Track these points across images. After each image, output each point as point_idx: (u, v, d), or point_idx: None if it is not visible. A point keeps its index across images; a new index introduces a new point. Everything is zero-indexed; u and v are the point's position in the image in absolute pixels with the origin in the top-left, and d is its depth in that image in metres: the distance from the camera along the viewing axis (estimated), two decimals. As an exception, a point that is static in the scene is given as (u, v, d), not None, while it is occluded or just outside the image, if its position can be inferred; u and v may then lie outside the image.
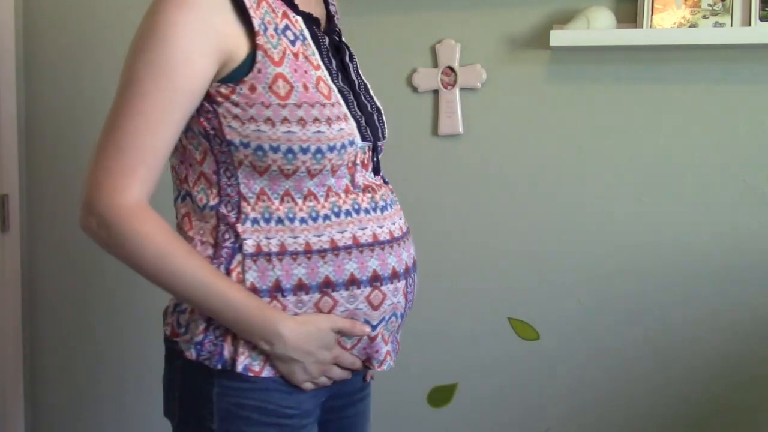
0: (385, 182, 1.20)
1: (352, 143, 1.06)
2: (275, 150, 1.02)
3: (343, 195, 1.08)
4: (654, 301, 1.80)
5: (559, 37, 1.68)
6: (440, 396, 1.97)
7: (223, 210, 1.06)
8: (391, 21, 1.89)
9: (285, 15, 1.06)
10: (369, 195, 1.11)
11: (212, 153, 1.05)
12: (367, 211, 1.10)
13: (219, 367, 1.05)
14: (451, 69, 1.85)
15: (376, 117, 1.16)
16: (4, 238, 2.09)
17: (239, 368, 1.04)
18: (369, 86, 1.21)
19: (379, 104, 1.21)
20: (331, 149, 1.04)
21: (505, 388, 1.92)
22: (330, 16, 1.20)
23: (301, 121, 1.01)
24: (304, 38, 1.07)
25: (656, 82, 1.75)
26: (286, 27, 1.05)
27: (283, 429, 1.08)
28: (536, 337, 1.89)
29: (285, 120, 1.01)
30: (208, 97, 1.02)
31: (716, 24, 1.65)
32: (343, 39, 1.20)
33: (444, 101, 1.86)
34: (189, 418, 1.10)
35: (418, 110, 1.89)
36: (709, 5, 1.66)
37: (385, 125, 1.20)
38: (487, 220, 1.88)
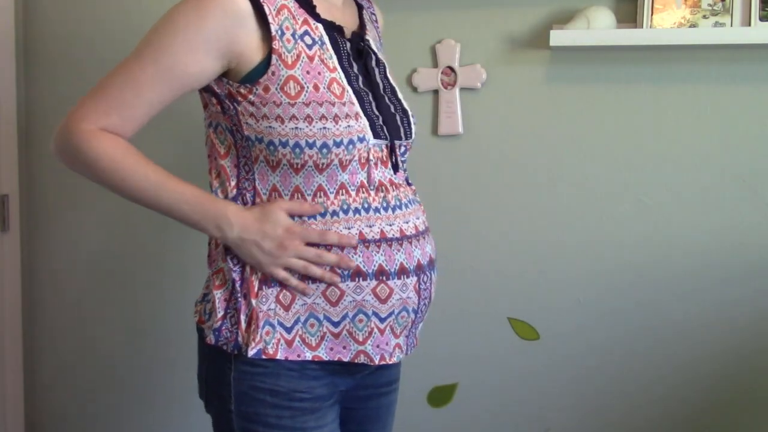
0: (408, 184, 1.27)
1: (362, 140, 1.13)
2: (284, 145, 1.10)
3: (353, 193, 1.15)
4: (654, 300, 1.80)
5: (559, 37, 1.68)
6: (440, 396, 1.97)
7: (239, 203, 1.16)
8: (391, 21, 1.88)
9: (306, 22, 1.15)
10: (381, 194, 1.17)
11: (235, 147, 1.16)
12: (377, 210, 1.16)
13: (235, 351, 1.13)
14: (451, 69, 1.85)
15: (399, 118, 1.23)
16: (4, 238, 2.09)
17: (251, 353, 1.12)
18: (397, 89, 1.28)
19: (406, 106, 1.28)
20: (338, 144, 1.11)
21: (505, 388, 1.92)
22: (362, 24, 1.30)
23: (308, 118, 1.09)
24: (323, 43, 1.15)
25: (656, 82, 1.75)
26: (305, 33, 1.14)
27: (295, 412, 1.15)
28: (536, 337, 1.89)
29: (293, 117, 1.09)
30: (230, 97, 1.13)
31: (716, 24, 1.65)
32: (373, 45, 1.27)
33: (444, 101, 1.86)
34: (214, 399, 1.20)
35: (418, 110, 1.89)
36: (709, 5, 1.66)
37: (411, 126, 1.27)
38: (487, 220, 1.88)
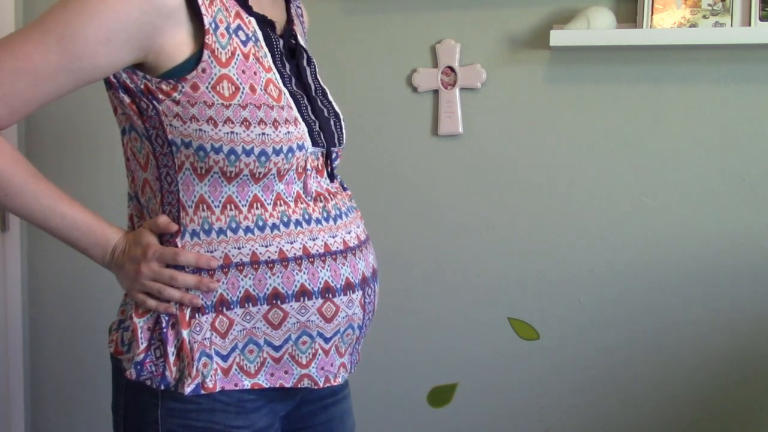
0: (344, 188, 1.17)
1: (301, 147, 1.03)
2: (217, 151, 0.98)
3: (292, 204, 1.04)
4: (654, 300, 1.80)
5: (559, 37, 1.68)
6: (440, 396, 1.97)
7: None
8: (391, 21, 1.89)
9: (238, 15, 1.02)
10: (321, 204, 1.07)
11: (154, 156, 1.02)
12: (318, 221, 1.06)
13: (162, 387, 1.02)
14: (451, 69, 1.85)
15: (332, 122, 1.13)
16: (4, 238, 2.09)
17: (188, 390, 1.01)
18: (328, 91, 1.18)
19: (338, 109, 1.17)
20: (277, 152, 1.00)
21: (505, 388, 1.92)
22: (290, 19, 1.17)
23: (245, 122, 0.98)
24: (257, 39, 1.03)
25: (656, 82, 1.75)
26: (239, 27, 1.02)
27: None
28: (536, 337, 1.89)
29: (228, 120, 0.97)
30: (149, 94, 0.98)
31: (716, 24, 1.65)
32: (301, 42, 1.16)
33: (444, 101, 1.86)
34: None
35: (418, 110, 1.89)
36: (709, 5, 1.66)
37: (343, 131, 1.16)
38: (487, 220, 1.88)
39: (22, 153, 2.15)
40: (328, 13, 1.90)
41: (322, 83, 1.17)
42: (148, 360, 1.03)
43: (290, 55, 1.10)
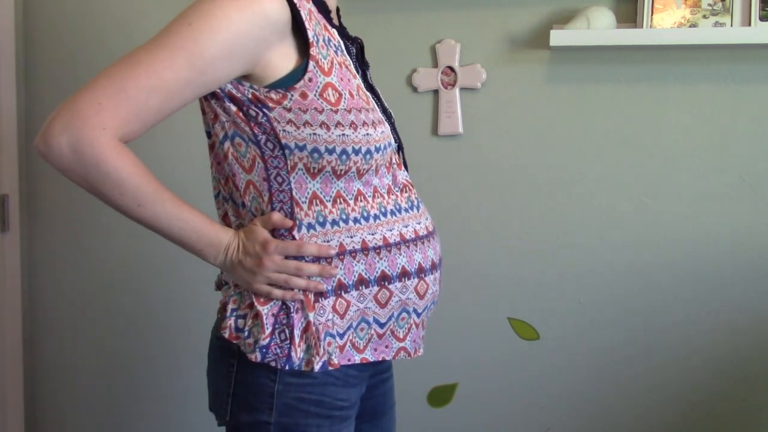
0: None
1: (390, 144, 1.15)
2: (330, 152, 1.07)
3: (386, 196, 1.16)
4: (654, 300, 1.80)
5: (559, 37, 1.68)
6: (440, 396, 1.97)
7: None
8: (391, 21, 1.89)
9: (326, 27, 1.11)
10: (406, 195, 1.19)
11: (262, 159, 1.09)
12: (406, 210, 1.18)
13: (287, 368, 1.10)
14: (451, 69, 1.85)
15: (392, 121, 1.23)
16: (4, 238, 2.09)
17: (318, 367, 1.10)
18: (379, 92, 1.26)
19: (390, 110, 1.26)
20: (378, 150, 1.11)
21: (505, 388, 1.92)
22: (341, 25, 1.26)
23: (353, 125, 1.08)
24: (342, 49, 1.13)
25: (656, 82, 1.75)
26: (329, 38, 1.11)
27: (333, 420, 1.15)
28: (536, 337, 1.89)
29: (339, 124, 1.07)
30: (257, 102, 1.05)
31: (716, 24, 1.65)
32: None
33: (444, 101, 1.86)
34: (242, 412, 1.15)
35: (418, 110, 1.89)
36: (709, 5, 1.66)
37: (397, 129, 1.26)
38: (487, 220, 1.88)
39: (22, 151, 2.16)
40: (328, 13, 1.90)
41: (375, 86, 1.25)
42: (272, 343, 1.11)
43: (360, 60, 1.21)
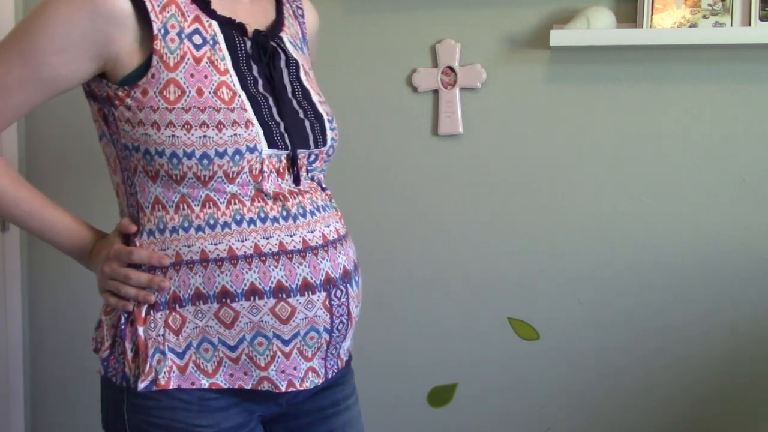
0: (322, 189, 1.15)
1: (253, 150, 1.02)
2: (160, 154, 1.00)
3: (248, 203, 1.04)
4: (654, 300, 1.80)
5: (559, 37, 1.68)
6: (440, 396, 1.97)
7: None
8: (391, 21, 1.89)
9: (197, 19, 1.04)
10: (280, 203, 1.06)
11: (118, 160, 1.07)
12: (275, 220, 1.05)
13: (124, 384, 1.06)
14: (451, 69, 1.85)
15: (309, 124, 1.11)
16: (4, 238, 2.09)
17: (141, 386, 1.04)
18: (312, 92, 1.16)
19: (322, 111, 1.15)
20: (221, 155, 1.00)
21: (505, 388, 1.92)
22: (280, 21, 1.17)
23: (186, 126, 0.99)
24: (215, 43, 1.04)
25: (656, 82, 1.75)
26: (195, 31, 1.03)
27: None
28: (536, 337, 1.89)
29: (170, 124, 0.99)
30: (109, 100, 1.02)
31: (716, 24, 1.65)
32: (287, 44, 1.15)
33: (444, 101, 1.86)
34: (108, 428, 1.15)
35: (418, 110, 1.89)
36: (709, 5, 1.66)
37: (326, 132, 1.14)
38: (487, 220, 1.88)
39: (22, 151, 2.16)
40: (328, 12, 1.90)
41: (306, 84, 1.15)
42: (112, 357, 1.08)
43: (261, 57, 1.10)
